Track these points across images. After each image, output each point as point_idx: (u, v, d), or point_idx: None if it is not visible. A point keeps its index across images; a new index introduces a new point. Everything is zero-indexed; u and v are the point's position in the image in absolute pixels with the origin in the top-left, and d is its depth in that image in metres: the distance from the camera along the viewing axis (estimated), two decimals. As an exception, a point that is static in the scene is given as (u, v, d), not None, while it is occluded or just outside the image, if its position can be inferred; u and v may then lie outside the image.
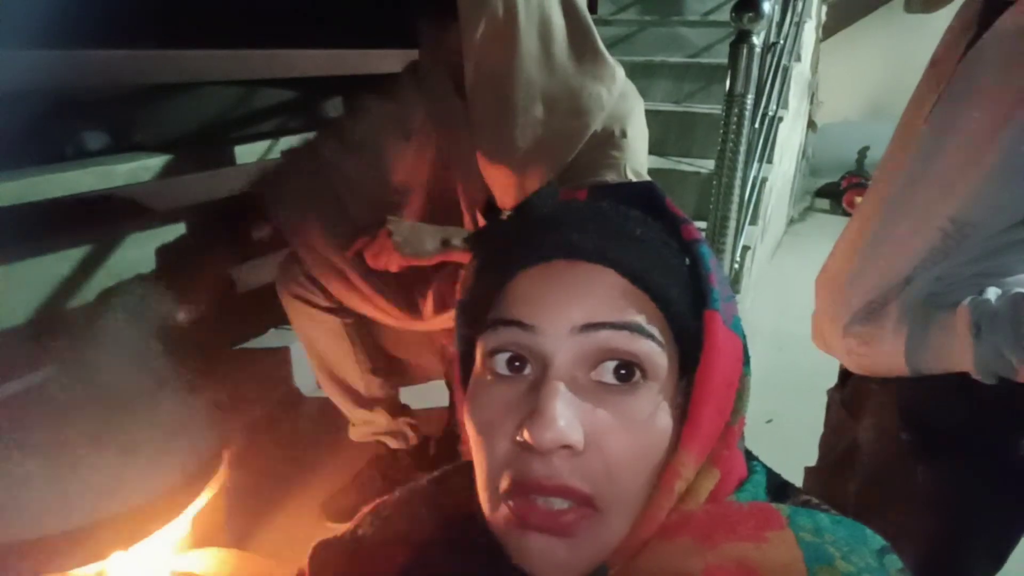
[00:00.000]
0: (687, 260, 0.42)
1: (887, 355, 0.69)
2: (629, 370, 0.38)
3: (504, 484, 0.38)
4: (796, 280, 2.85)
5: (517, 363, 0.40)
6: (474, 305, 0.44)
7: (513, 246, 0.43)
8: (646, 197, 0.45)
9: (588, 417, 0.37)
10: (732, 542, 0.36)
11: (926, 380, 0.67)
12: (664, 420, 0.39)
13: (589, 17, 1.08)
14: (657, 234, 0.42)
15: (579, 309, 0.38)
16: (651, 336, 0.39)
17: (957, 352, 0.63)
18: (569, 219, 0.42)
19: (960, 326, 0.62)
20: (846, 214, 4.11)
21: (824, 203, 4.33)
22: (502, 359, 0.40)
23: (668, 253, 0.42)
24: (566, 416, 0.36)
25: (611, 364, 0.38)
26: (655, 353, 0.39)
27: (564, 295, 0.39)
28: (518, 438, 0.37)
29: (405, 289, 1.22)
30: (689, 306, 0.41)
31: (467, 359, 0.44)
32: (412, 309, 1.23)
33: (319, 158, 1.23)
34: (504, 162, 1.08)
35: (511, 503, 0.38)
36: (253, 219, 1.22)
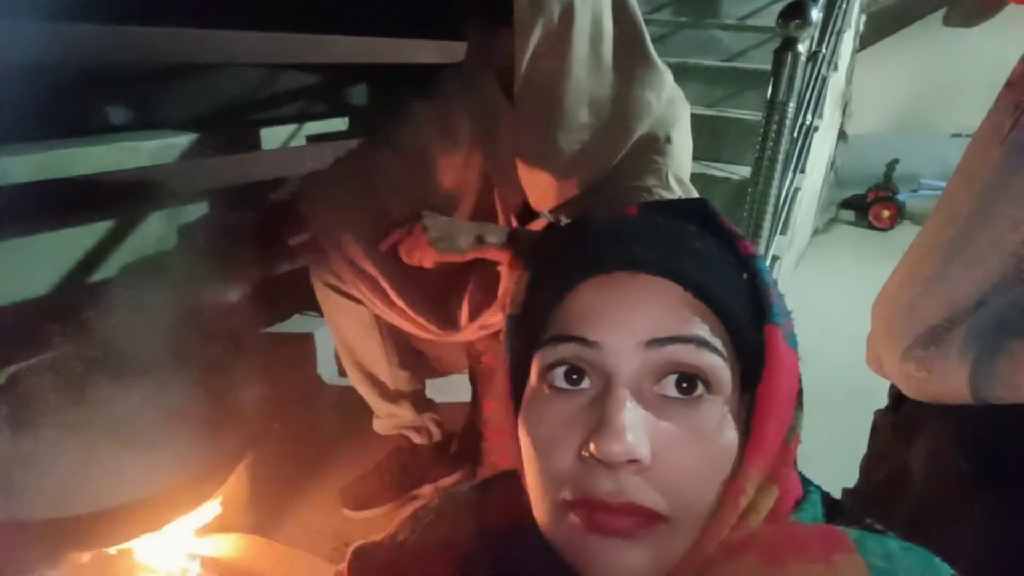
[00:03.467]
0: (744, 275, 0.42)
1: (950, 382, 0.67)
2: (692, 383, 0.38)
3: (566, 496, 0.37)
4: (819, 292, 2.82)
5: (575, 376, 0.39)
6: (528, 319, 0.43)
7: (569, 259, 0.42)
8: (700, 213, 0.45)
9: (654, 429, 0.37)
10: (800, 564, 0.35)
11: (990, 408, 0.65)
12: (730, 434, 0.38)
13: (641, 21, 1.07)
14: (713, 248, 0.42)
15: (644, 323, 0.38)
16: (715, 349, 0.38)
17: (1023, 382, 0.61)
18: (628, 232, 0.42)
19: None
20: (871, 227, 4.07)
21: (849, 215, 4.29)
22: (560, 372, 0.39)
23: (727, 267, 0.41)
24: (634, 429, 0.36)
25: (674, 377, 0.38)
26: (719, 367, 0.38)
27: (628, 309, 0.38)
28: (584, 453, 0.37)
29: (441, 303, 1.21)
30: (749, 320, 0.40)
31: (518, 372, 0.44)
32: (448, 324, 1.22)
33: (364, 164, 1.22)
34: (548, 166, 1.07)
35: (575, 512, 0.37)
36: (291, 227, 1.20)
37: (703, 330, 0.38)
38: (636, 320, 0.38)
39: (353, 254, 1.17)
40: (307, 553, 1.06)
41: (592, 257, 0.41)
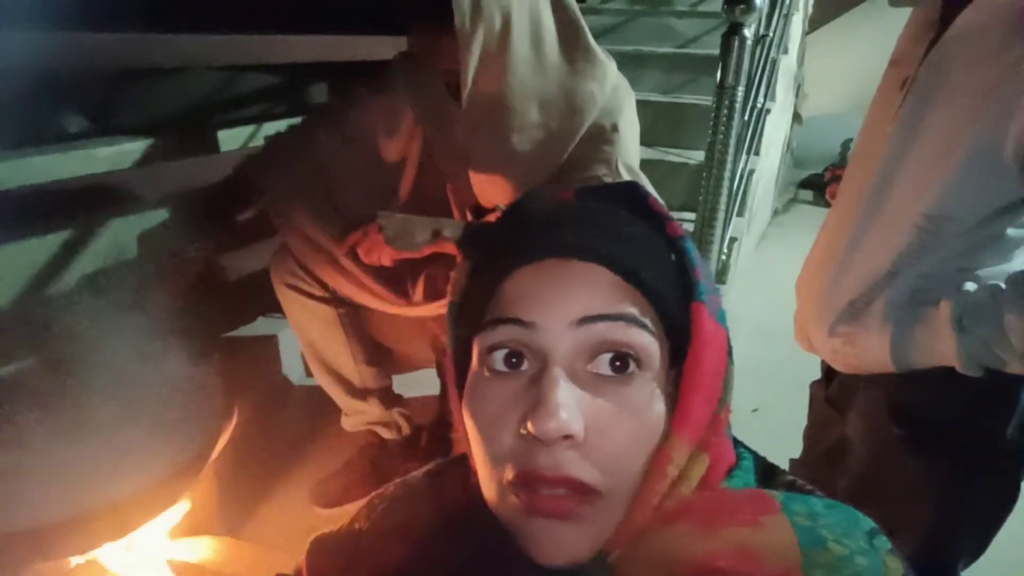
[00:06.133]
0: (672, 256, 0.44)
1: (873, 353, 0.70)
2: (624, 361, 0.40)
3: (508, 475, 0.39)
4: (780, 271, 2.87)
5: (514, 359, 0.41)
6: (468, 306, 0.45)
7: (505, 247, 0.44)
8: (630, 196, 0.46)
9: (588, 406, 0.39)
10: (730, 527, 0.37)
11: (915, 375, 0.69)
12: (659, 407, 0.40)
13: (579, 14, 1.08)
14: (643, 231, 0.44)
15: (576, 304, 0.40)
16: (645, 327, 0.40)
17: (942, 347, 0.64)
18: (559, 219, 0.44)
19: (943, 321, 0.64)
20: (829, 205, 4.13)
21: (808, 194, 4.37)
22: (500, 356, 0.41)
23: (655, 249, 0.43)
24: (568, 406, 0.37)
25: (607, 356, 0.40)
26: (649, 343, 0.40)
27: (560, 291, 0.40)
28: (522, 431, 0.38)
29: (397, 275, 1.21)
30: (677, 300, 0.42)
31: (461, 359, 0.45)
32: (404, 294, 1.23)
33: (309, 144, 1.22)
34: (502, 168, 1.09)
35: (517, 493, 0.39)
36: (239, 203, 1.21)
37: (633, 309, 0.40)
38: (568, 301, 0.40)
39: (307, 229, 1.18)
40: (280, 552, 1.06)
41: (526, 245, 0.43)
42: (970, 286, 0.65)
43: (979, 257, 0.67)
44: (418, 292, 1.22)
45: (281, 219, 1.21)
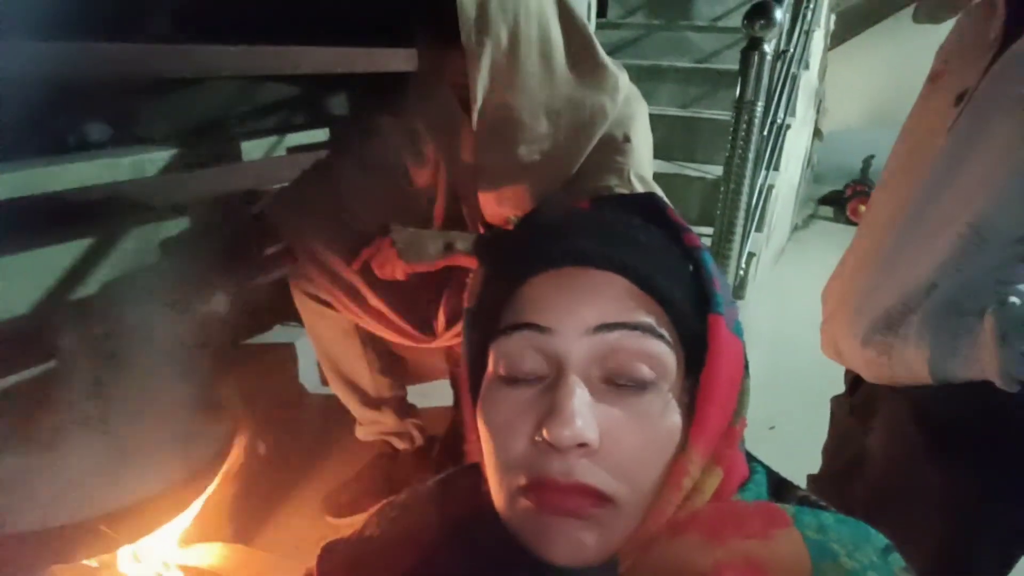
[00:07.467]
0: (690, 266, 0.44)
1: (909, 364, 0.69)
2: None
3: (520, 482, 0.39)
4: (799, 287, 2.86)
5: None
6: (484, 312, 0.45)
7: (522, 254, 0.44)
8: (647, 206, 0.46)
9: (603, 415, 0.38)
10: (740, 539, 0.37)
11: (947, 386, 0.68)
12: (674, 418, 0.40)
13: (588, 27, 1.08)
14: (660, 241, 0.44)
15: (592, 311, 0.40)
16: (661, 336, 0.40)
17: (984, 360, 0.63)
18: (576, 227, 0.44)
19: (987, 333, 0.63)
20: (849, 222, 4.11)
21: (828, 211, 4.34)
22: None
23: (671, 259, 0.43)
24: (583, 414, 0.37)
25: None
26: (665, 353, 0.40)
27: (577, 298, 0.40)
28: (537, 437, 0.38)
29: (418, 308, 1.21)
30: (693, 310, 0.42)
31: (476, 365, 0.45)
32: (425, 328, 1.22)
33: (332, 179, 1.22)
34: (510, 180, 1.09)
35: (528, 495, 0.39)
36: (264, 239, 1.21)
37: (649, 319, 0.40)
38: (585, 308, 0.40)
39: (327, 260, 1.18)
40: (290, 560, 1.06)
41: (542, 253, 0.43)
42: (1015, 300, 0.64)
43: (1021, 271, 0.66)
44: (440, 322, 1.20)
45: (303, 253, 1.20)
